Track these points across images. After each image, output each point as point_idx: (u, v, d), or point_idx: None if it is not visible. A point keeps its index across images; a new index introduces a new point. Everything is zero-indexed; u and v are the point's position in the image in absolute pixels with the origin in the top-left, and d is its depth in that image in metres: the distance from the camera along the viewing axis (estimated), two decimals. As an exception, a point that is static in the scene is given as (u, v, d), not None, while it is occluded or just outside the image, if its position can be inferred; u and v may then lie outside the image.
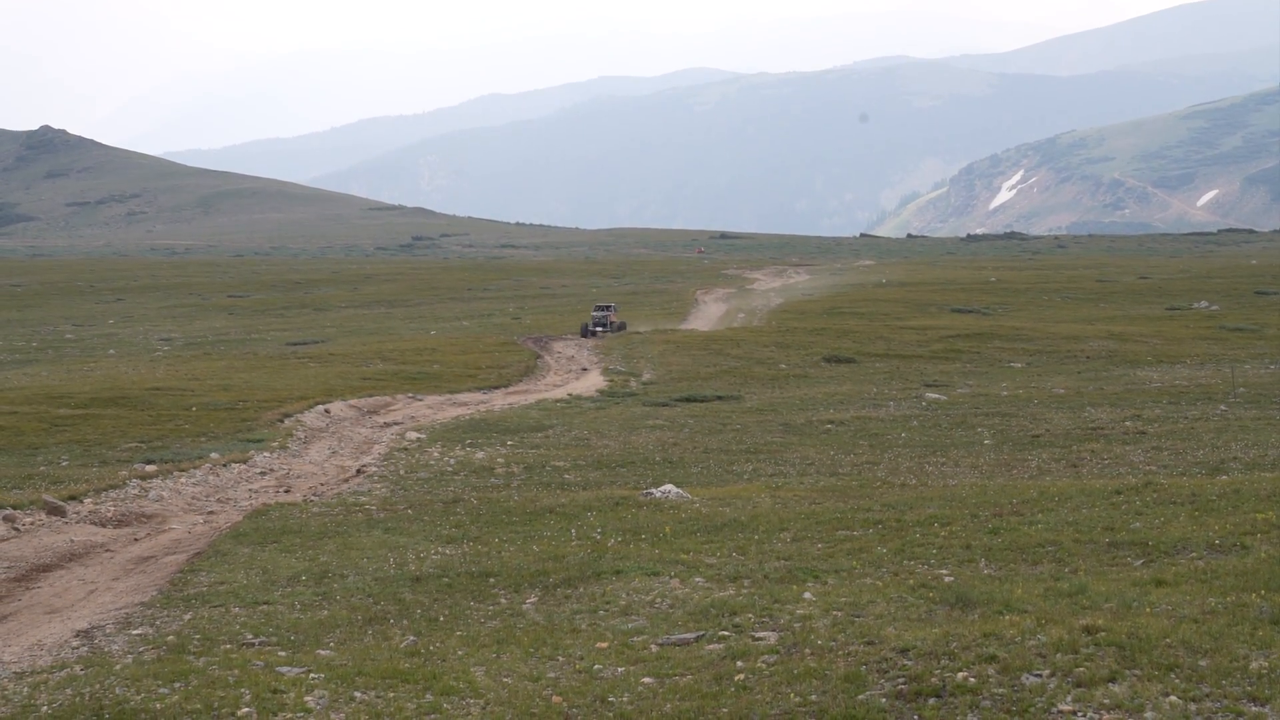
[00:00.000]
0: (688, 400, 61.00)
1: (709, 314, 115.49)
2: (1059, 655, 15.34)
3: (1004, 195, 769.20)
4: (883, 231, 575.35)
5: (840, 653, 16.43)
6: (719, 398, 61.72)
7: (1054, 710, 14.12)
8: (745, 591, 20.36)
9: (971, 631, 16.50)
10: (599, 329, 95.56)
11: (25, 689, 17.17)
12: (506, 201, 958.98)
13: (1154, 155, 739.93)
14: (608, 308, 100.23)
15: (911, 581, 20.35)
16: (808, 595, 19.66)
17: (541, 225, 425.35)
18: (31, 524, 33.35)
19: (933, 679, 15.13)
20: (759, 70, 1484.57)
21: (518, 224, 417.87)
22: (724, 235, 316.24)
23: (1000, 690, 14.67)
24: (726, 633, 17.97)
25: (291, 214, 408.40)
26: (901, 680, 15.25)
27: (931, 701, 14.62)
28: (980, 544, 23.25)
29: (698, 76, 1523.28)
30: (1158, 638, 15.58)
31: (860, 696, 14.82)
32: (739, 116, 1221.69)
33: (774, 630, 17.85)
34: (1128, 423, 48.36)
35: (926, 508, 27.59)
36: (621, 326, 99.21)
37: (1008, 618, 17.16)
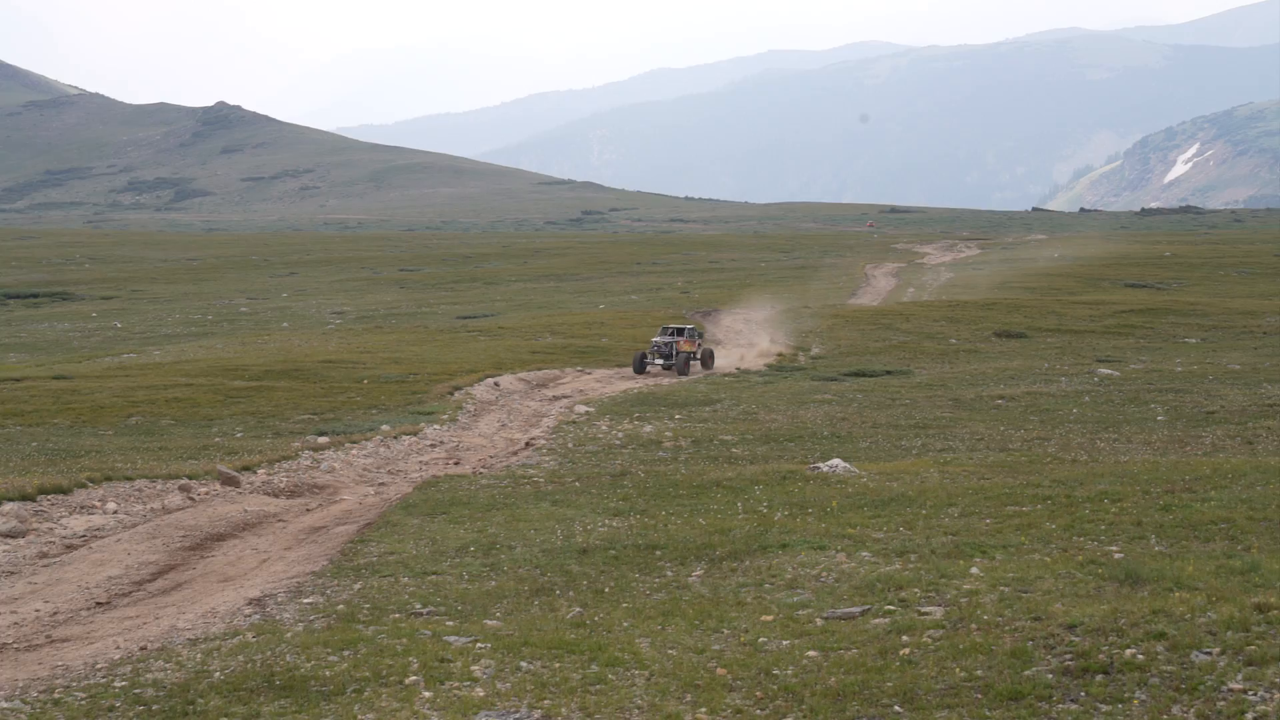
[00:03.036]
0: (856, 375, 60.74)
1: (878, 288, 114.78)
2: (1230, 633, 15.17)
3: (1179, 169, 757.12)
4: (1055, 205, 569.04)
5: (1007, 628, 16.34)
6: (888, 372, 61.41)
7: (1224, 688, 13.98)
8: (912, 566, 20.29)
9: (1140, 608, 16.35)
10: (659, 361, 66.94)
11: (199, 655, 17.46)
12: (675, 176, 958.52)
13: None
14: (680, 332, 69.02)
15: (1080, 558, 20.17)
16: (975, 570, 19.57)
17: (710, 200, 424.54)
18: (207, 494, 33.87)
19: (1100, 655, 15.02)
20: (929, 43, 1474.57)
21: (686, 198, 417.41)
22: (894, 209, 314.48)
23: (1169, 668, 14.54)
24: (892, 607, 17.92)
25: (462, 188, 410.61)
26: (1069, 656, 15.16)
27: (1099, 678, 14.52)
28: (1151, 520, 22.99)
29: (868, 50, 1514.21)
30: (1331, 616, 15.37)
31: (1026, 672, 14.75)
32: (909, 90, 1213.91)
33: (940, 605, 17.79)
34: (1304, 399, 47.59)
35: (1097, 484, 27.30)
36: (706, 358, 68.78)
37: (1178, 595, 16.99)
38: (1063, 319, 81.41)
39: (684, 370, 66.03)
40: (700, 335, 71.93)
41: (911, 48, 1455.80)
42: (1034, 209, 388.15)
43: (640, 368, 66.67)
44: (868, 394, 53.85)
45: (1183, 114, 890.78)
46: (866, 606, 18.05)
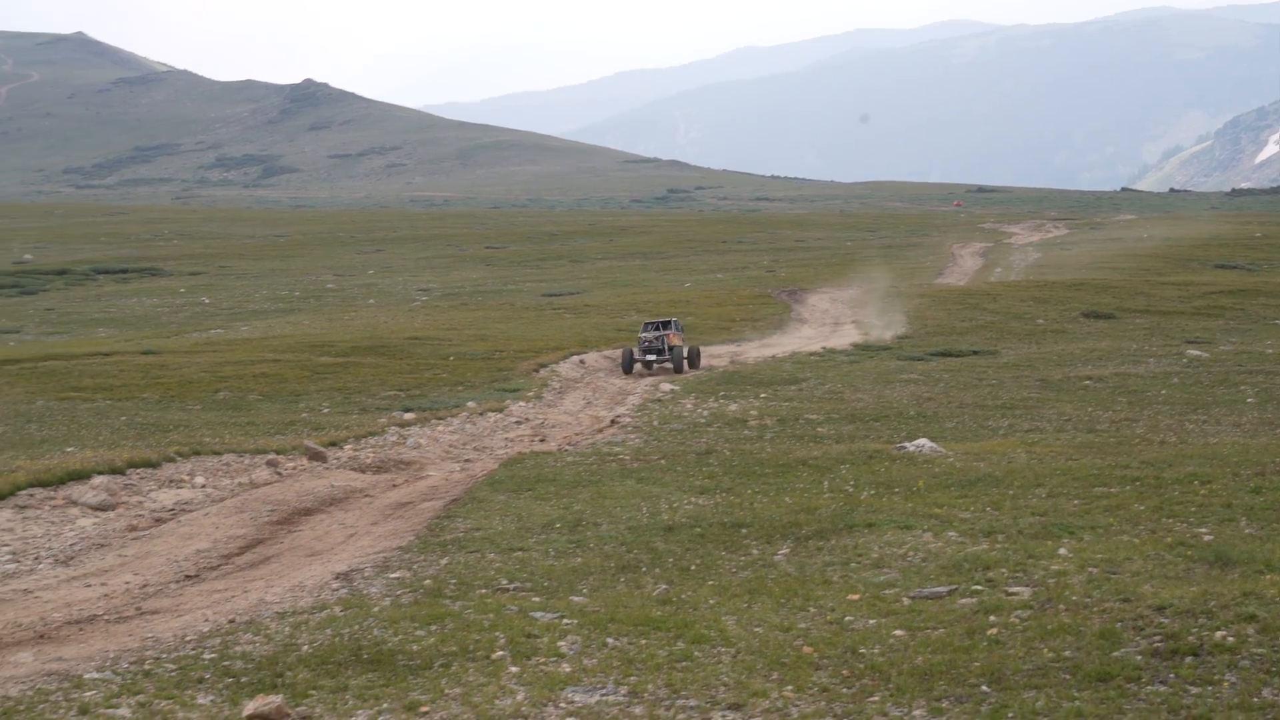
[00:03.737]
0: (943, 354, 60.48)
1: (965, 268, 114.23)
2: (1321, 616, 15.06)
3: (1271, 149, 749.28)
4: (1144, 186, 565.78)
5: (1095, 609, 16.26)
6: (975, 352, 61.15)
7: (1315, 672, 13.89)
8: (999, 546, 20.21)
9: (1231, 590, 16.24)
10: (651, 358, 60.07)
11: (286, 628, 17.57)
12: (761, 154, 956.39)
13: None
14: (666, 325, 62.28)
15: (1169, 539, 20.04)
16: (1063, 551, 19.47)
17: (796, 178, 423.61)
18: (294, 469, 34.10)
19: (1190, 637, 14.92)
20: (1018, 22, 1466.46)
21: (772, 177, 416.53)
22: (981, 189, 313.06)
23: (1260, 650, 14.44)
24: (979, 587, 17.86)
25: (548, 166, 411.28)
26: (1158, 638, 15.06)
27: (1188, 660, 14.43)
28: (1242, 503, 22.80)
29: (955, 28, 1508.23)
30: None
31: (1115, 653, 14.66)
32: (997, 69, 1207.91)
33: (1028, 585, 17.71)
34: (1397, 382, 47.15)
35: (1186, 465, 27.11)
36: (693, 356, 60.36)
37: (1269, 577, 16.86)
38: (1151, 300, 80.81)
39: (681, 366, 58.54)
40: (679, 326, 63.24)
41: (999, 26, 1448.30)
42: (1123, 189, 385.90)
43: (629, 367, 59.14)
44: (954, 374, 53.67)
45: (1275, 94, 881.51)
46: (953, 586, 17.99)
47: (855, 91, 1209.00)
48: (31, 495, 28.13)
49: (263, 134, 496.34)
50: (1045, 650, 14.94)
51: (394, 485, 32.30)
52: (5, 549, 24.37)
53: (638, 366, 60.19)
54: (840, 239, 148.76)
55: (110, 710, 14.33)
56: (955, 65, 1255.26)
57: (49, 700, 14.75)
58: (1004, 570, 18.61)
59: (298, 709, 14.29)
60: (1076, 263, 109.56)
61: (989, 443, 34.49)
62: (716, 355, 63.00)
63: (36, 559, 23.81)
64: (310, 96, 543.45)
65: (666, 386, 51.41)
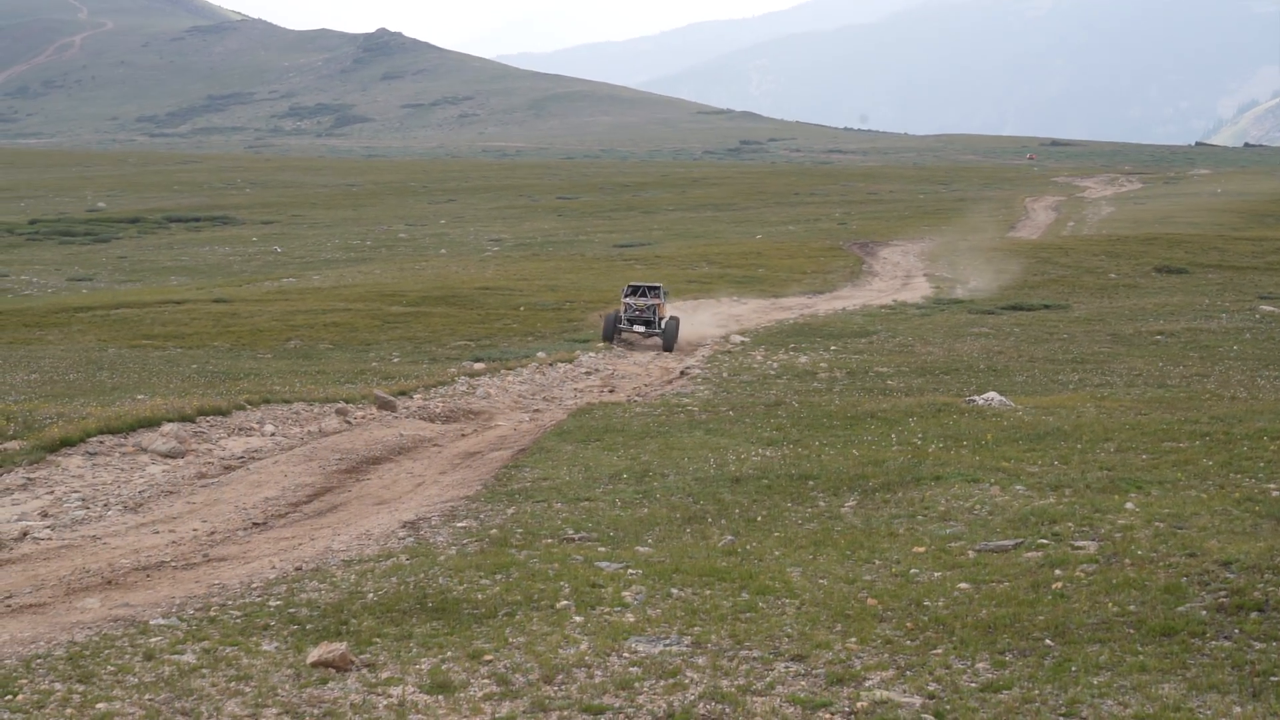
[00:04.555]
0: (1014, 308, 60.19)
1: (1038, 222, 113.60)
2: (1390, 573, 14.94)
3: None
4: (1219, 140, 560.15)
5: (1161, 564, 16.18)
6: (1046, 306, 60.83)
7: (1383, 629, 13.78)
8: (1066, 500, 20.12)
9: (1298, 546, 16.16)
10: (637, 328, 53.14)
11: (353, 576, 17.65)
12: (834, 106, 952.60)
13: None
14: (654, 290, 54.90)
15: (1237, 495, 19.90)
16: (1130, 506, 19.37)
17: (869, 131, 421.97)
18: (363, 418, 34.22)
19: (1255, 593, 14.84)
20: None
21: (845, 129, 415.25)
22: (1055, 142, 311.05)
23: (1326, 607, 14.35)
24: (1045, 541, 17.78)
25: (620, 117, 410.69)
26: (1223, 593, 14.98)
27: (1253, 615, 14.34)
28: (1311, 459, 22.66)
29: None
30: None
31: (1180, 608, 14.59)
32: (1072, 21, 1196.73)
33: (1094, 540, 17.63)
34: None
35: (1256, 421, 26.89)
36: (670, 328, 52.61)
37: (1337, 534, 16.77)
38: (1225, 255, 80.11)
39: (672, 345, 51.73)
40: (665, 293, 55.89)
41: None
42: (1197, 143, 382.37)
43: (610, 334, 52.86)
44: (1025, 328, 53.43)
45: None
46: (1019, 540, 17.93)
47: (929, 43, 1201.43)
48: (102, 442, 28.30)
49: (336, 83, 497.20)
50: (1110, 604, 14.87)
51: (462, 435, 32.40)
52: (75, 495, 24.53)
53: (623, 337, 53.52)
54: (913, 192, 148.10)
55: (175, 656, 14.42)
56: (1030, 17, 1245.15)
57: (115, 645, 14.84)
58: (1070, 524, 18.53)
59: (362, 656, 14.35)
60: (1150, 217, 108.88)
61: (1058, 397, 34.36)
62: (787, 307, 62.79)
63: (106, 505, 23.95)
64: (384, 46, 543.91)
65: (737, 338, 51.42)
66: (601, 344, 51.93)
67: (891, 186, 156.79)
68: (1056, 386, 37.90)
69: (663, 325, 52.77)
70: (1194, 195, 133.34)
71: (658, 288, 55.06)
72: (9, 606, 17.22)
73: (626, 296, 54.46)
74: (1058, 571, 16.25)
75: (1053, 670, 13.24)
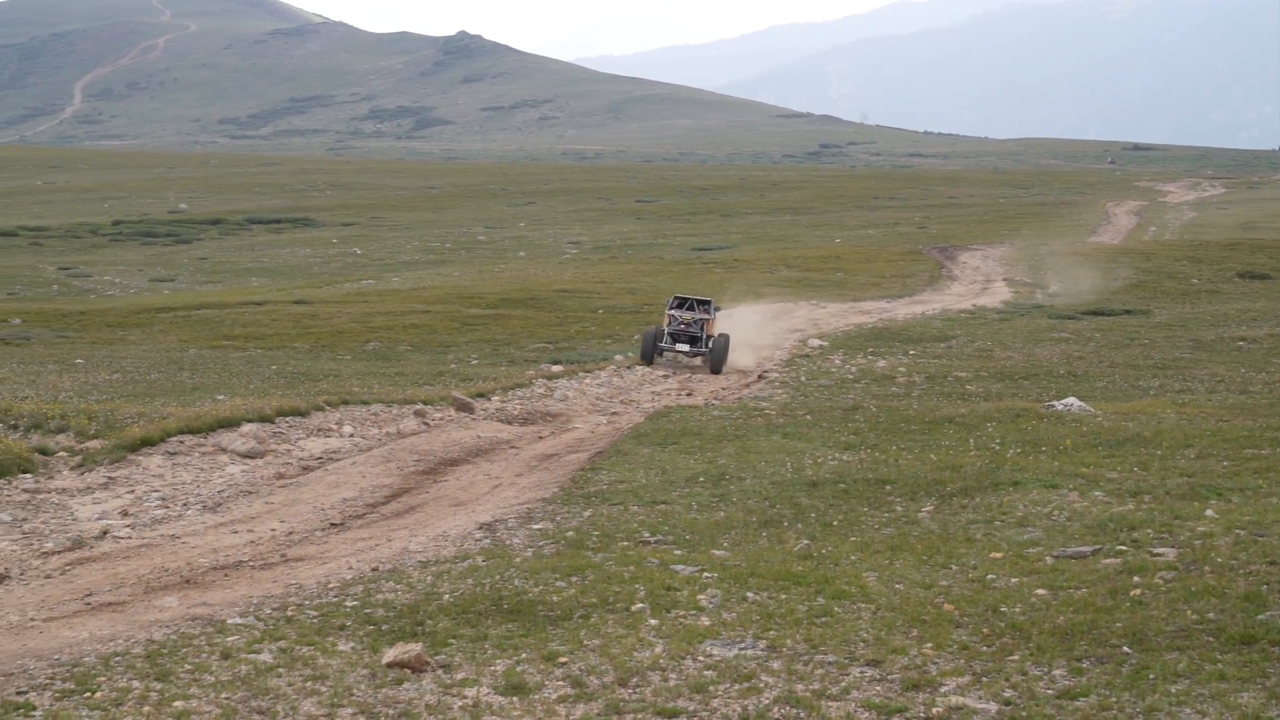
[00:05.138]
0: (1094, 314, 59.88)
1: (1119, 226, 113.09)
2: None
3: None
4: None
5: (1241, 571, 16.07)
6: (1127, 312, 60.53)
7: None
8: (1145, 507, 20.01)
9: (1381, 556, 16.02)
10: (681, 346, 47.70)
11: (429, 577, 17.70)
12: (914, 110, 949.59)
13: None
14: (704, 304, 49.25)
15: (1319, 502, 19.78)
16: (1210, 513, 19.24)
17: (949, 134, 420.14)
18: (441, 419, 34.33)
19: (1337, 602, 14.73)
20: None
21: (925, 133, 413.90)
22: (1136, 147, 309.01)
23: None
24: (1124, 547, 17.68)
25: (700, 120, 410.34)
26: (1304, 602, 14.88)
27: (1335, 625, 14.24)
28: (1395, 467, 22.47)
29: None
30: None
31: (1260, 616, 14.47)
32: (1155, 24, 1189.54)
33: (1173, 547, 17.52)
34: None
35: (1340, 428, 26.74)
36: (718, 347, 46.72)
37: None
38: (1310, 259, 79.50)
39: (720, 367, 46.41)
40: (717, 309, 50.60)
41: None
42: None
43: (650, 353, 47.50)
44: (1105, 333, 53.18)
45: None
46: (1098, 546, 17.83)
47: (1010, 46, 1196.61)
48: (182, 442, 28.48)
49: (416, 86, 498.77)
50: (1189, 612, 14.78)
51: (540, 437, 32.47)
52: (155, 495, 24.71)
53: (665, 356, 48.23)
54: (993, 196, 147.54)
55: (252, 655, 14.50)
56: (1113, 19, 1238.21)
57: (192, 644, 14.94)
58: (1149, 531, 18.42)
59: (437, 657, 14.40)
60: (1232, 222, 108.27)
61: (1139, 403, 34.17)
62: (866, 311, 62.67)
63: (185, 505, 24.12)
64: (464, 49, 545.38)
65: (815, 342, 51.29)
66: (640, 364, 46.58)
67: (971, 191, 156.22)
68: (1137, 392, 37.71)
69: (710, 345, 47.21)
70: (1277, 200, 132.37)
71: (708, 302, 49.64)
72: (88, 604, 17.37)
73: (671, 309, 49.00)
74: (1136, 578, 16.15)
75: (1130, 678, 13.17)
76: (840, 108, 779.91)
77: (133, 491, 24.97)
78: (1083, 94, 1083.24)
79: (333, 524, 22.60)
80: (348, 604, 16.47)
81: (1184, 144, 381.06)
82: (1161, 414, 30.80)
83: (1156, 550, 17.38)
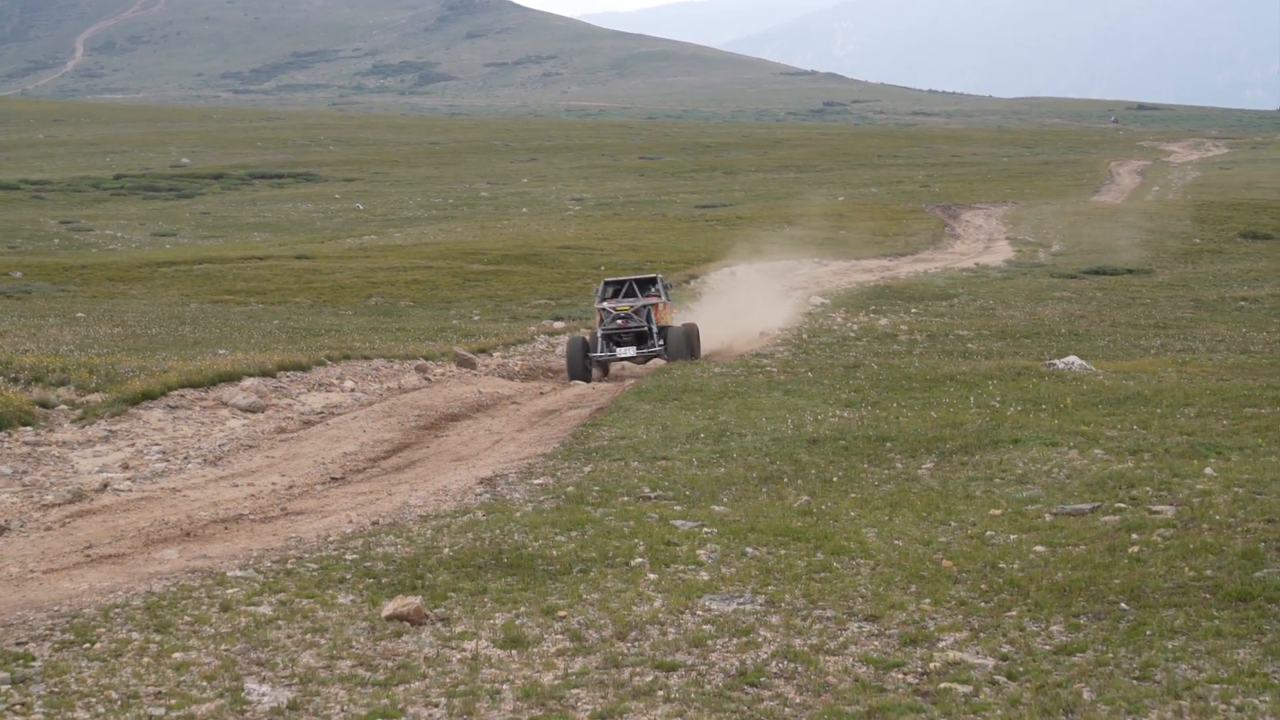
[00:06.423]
0: (1097, 273, 59.79)
1: (1122, 186, 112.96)
2: None
3: None
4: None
5: (1239, 529, 16.10)
6: (1129, 271, 60.43)
7: None
8: (1144, 465, 20.03)
9: (1379, 513, 16.05)
10: (623, 351, 37.34)
11: (429, 531, 17.72)
12: (918, 69, 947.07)
13: None
14: (647, 285, 39.45)
15: (1319, 461, 19.80)
16: (1209, 471, 19.27)
17: (954, 93, 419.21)
18: (442, 375, 34.44)
19: (1335, 560, 14.76)
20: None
21: (929, 91, 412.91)
22: (1140, 106, 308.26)
23: (1405, 574, 14.25)
24: (1123, 505, 17.71)
25: (704, 78, 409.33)
26: (1302, 559, 14.91)
27: (1332, 582, 14.27)
28: (1395, 426, 22.49)
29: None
30: None
31: (1257, 574, 14.50)
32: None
33: (1171, 504, 17.55)
34: None
35: (1341, 387, 26.76)
36: (692, 341, 37.66)
37: None
38: (1313, 220, 79.37)
39: (681, 358, 36.44)
40: (669, 288, 41.37)
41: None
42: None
43: (580, 370, 36.51)
44: (1107, 292, 53.11)
45: None
46: (1097, 504, 17.85)
47: (1017, 5, 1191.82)
48: (183, 396, 28.55)
49: (419, 41, 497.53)
50: (1186, 569, 14.81)
51: (541, 393, 32.56)
52: (156, 448, 24.77)
53: (603, 369, 38.29)
54: (997, 155, 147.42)
55: (252, 607, 14.52)
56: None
57: (192, 596, 14.96)
58: (1148, 489, 18.45)
59: (436, 610, 14.43)
60: (1236, 182, 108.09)
61: (1139, 361, 34.18)
62: (868, 269, 62.61)
63: (186, 458, 24.18)
64: (468, 4, 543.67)
65: (817, 299, 51.18)
66: (576, 385, 35.08)
67: (975, 149, 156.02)
68: (1138, 351, 37.69)
69: (663, 339, 37.52)
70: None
71: (653, 279, 39.68)
72: (89, 556, 17.41)
73: (602, 302, 38.48)
74: (1134, 536, 16.18)
75: (1127, 634, 13.20)
76: (845, 65, 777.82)
77: (133, 445, 25.04)
78: (1089, 53, 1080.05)
79: (333, 478, 22.65)
80: (347, 557, 16.49)
81: (1189, 104, 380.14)
82: (1162, 373, 30.80)
83: (1155, 508, 17.41)
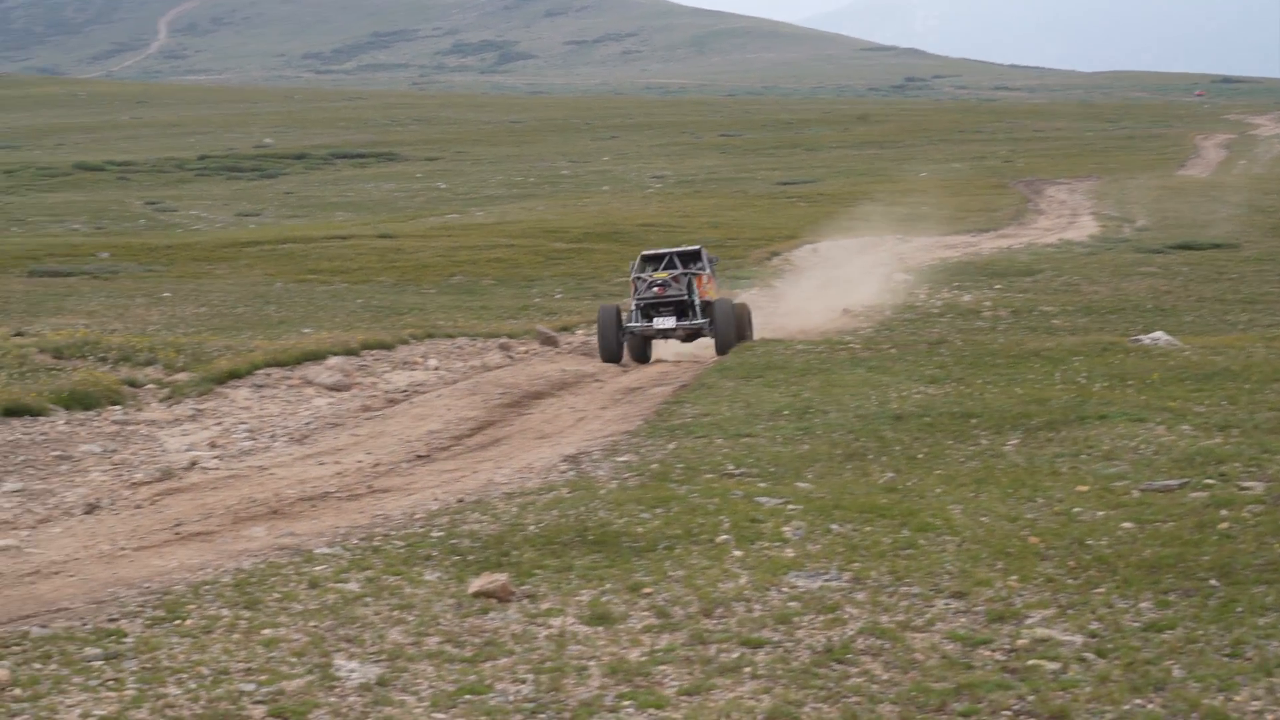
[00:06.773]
0: (1183, 248, 59.28)
1: (1208, 160, 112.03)
2: None
3: None
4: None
5: (1330, 505, 15.98)
6: (1216, 246, 59.90)
7: None
8: (1233, 440, 19.83)
9: None
10: (661, 322, 33.48)
11: (514, 508, 17.72)
12: (1000, 43, 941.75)
13: None
14: (691, 258, 35.80)
15: None
16: (1298, 446, 19.12)
17: (1036, 67, 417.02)
18: (525, 353, 34.46)
19: None
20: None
21: (1011, 65, 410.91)
22: (1226, 79, 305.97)
23: None
24: (1211, 481, 17.53)
25: (784, 54, 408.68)
26: (1394, 536, 14.77)
27: None
28: None
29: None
30: None
31: (1349, 550, 14.39)
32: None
33: (1261, 480, 17.37)
34: None
35: None
36: (724, 323, 32.73)
37: None
38: (1404, 193, 78.56)
39: (729, 341, 32.63)
40: (714, 261, 37.04)
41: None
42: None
43: (613, 350, 33.48)
44: (1194, 267, 52.69)
45: None
46: (1185, 480, 17.69)
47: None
48: (269, 375, 28.68)
49: (499, 20, 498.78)
50: (1277, 545, 14.67)
51: (624, 370, 32.47)
52: (243, 427, 24.90)
53: (634, 348, 34.60)
54: (1080, 129, 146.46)
55: (339, 584, 14.57)
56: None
57: (280, 573, 15.02)
58: (1237, 465, 18.27)
59: (522, 587, 14.43)
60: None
61: (1227, 337, 33.87)
62: (951, 245, 62.33)
63: (272, 437, 24.28)
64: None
65: (900, 275, 51.04)
66: (611, 368, 32.94)
67: (1058, 124, 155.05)
68: (1225, 326, 37.42)
69: (711, 316, 33.43)
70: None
71: (696, 251, 35.98)
72: (178, 534, 17.51)
73: (638, 273, 35.33)
74: (1224, 512, 16.03)
75: (1217, 611, 13.08)
76: (926, 40, 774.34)
77: (220, 423, 25.18)
78: (1174, 25, 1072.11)
79: (418, 456, 22.68)
80: (434, 534, 16.51)
81: (1277, 76, 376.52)
82: (1250, 348, 30.50)
83: (1244, 484, 17.24)
